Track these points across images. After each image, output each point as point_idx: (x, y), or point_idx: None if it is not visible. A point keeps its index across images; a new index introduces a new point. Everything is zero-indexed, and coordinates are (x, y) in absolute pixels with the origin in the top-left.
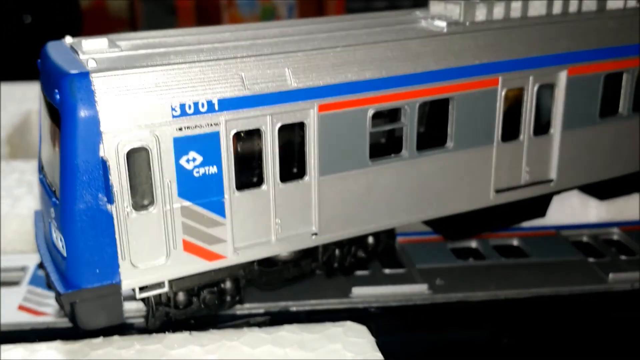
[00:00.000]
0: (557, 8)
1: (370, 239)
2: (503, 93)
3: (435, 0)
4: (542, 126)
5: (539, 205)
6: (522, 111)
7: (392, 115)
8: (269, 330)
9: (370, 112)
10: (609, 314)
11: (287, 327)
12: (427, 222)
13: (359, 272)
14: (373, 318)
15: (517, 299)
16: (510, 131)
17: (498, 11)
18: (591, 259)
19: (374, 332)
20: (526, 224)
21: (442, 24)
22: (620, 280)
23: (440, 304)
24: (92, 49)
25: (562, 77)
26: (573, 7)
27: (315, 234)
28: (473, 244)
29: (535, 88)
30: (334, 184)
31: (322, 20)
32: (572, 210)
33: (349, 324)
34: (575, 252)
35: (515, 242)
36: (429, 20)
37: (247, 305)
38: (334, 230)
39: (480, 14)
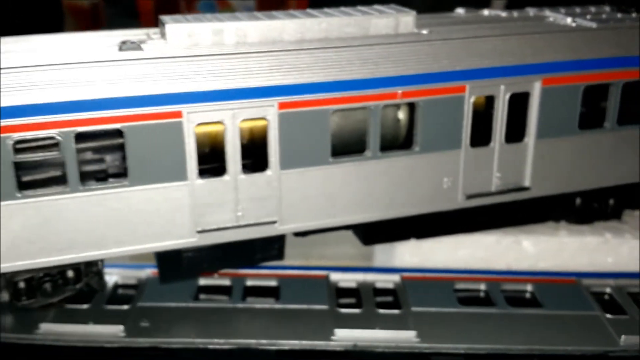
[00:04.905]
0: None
1: (70, 273)
2: (191, 128)
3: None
4: (256, 164)
5: (272, 248)
6: (225, 148)
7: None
8: None
9: (10, 141)
10: None
11: None
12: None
13: (75, 306)
14: (60, 357)
15: (220, 350)
16: (213, 168)
17: (218, 39)
18: (343, 310)
19: None
20: (296, 263)
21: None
22: (345, 338)
23: (129, 348)
24: None
25: (272, 113)
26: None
27: None
28: (227, 281)
29: (237, 123)
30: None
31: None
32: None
33: None
34: (327, 300)
35: (274, 283)
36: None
37: None
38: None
39: (206, 40)
